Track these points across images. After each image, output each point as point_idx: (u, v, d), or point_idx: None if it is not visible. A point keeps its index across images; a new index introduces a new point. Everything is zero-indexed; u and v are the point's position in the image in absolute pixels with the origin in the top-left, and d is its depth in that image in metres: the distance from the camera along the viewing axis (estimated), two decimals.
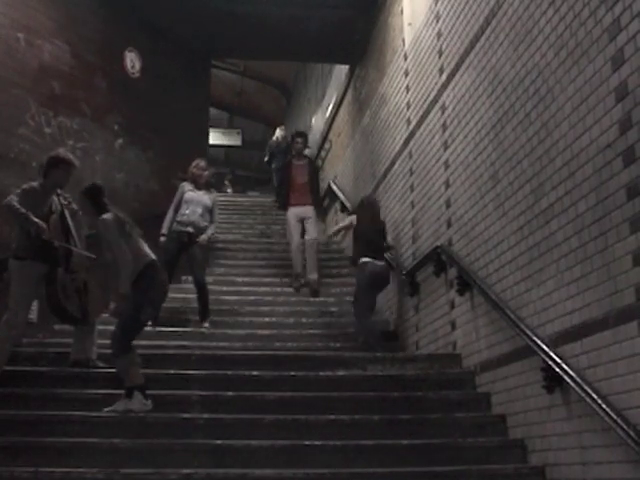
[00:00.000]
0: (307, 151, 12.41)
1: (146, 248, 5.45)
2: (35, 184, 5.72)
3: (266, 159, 14.56)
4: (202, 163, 8.24)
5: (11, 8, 7.49)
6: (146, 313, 5.39)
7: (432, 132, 6.75)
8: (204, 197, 7.94)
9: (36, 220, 5.55)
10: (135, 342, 6.57)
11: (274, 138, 14.79)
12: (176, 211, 7.87)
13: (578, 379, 3.95)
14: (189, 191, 7.95)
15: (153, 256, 5.44)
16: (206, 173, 8.14)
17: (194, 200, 7.87)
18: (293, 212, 9.18)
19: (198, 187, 8.00)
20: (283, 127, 15.48)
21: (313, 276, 8.83)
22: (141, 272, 5.26)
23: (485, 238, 5.45)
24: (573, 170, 4.19)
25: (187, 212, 7.80)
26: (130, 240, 5.33)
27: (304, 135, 10.01)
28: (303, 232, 9.17)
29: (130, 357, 5.19)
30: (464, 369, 5.80)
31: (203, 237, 7.84)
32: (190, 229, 7.75)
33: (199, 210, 7.84)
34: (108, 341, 6.19)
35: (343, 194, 10.71)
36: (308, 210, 9.17)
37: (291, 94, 18.98)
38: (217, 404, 5.28)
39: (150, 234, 8.70)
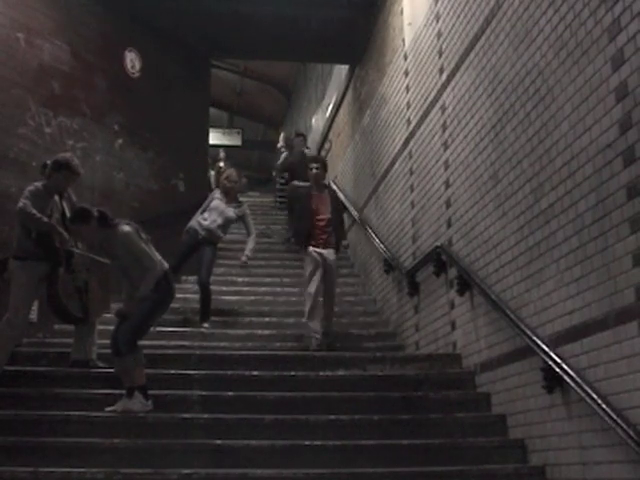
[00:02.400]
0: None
1: (159, 255, 5.47)
2: (39, 185, 5.72)
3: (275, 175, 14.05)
4: (233, 175, 8.22)
5: (11, 8, 7.49)
6: (157, 317, 5.50)
7: (432, 132, 6.75)
8: (228, 210, 7.94)
9: (61, 230, 5.65)
10: None
11: (282, 152, 14.44)
12: (202, 213, 7.95)
13: (578, 379, 3.95)
14: (217, 199, 8.00)
15: (167, 264, 5.48)
16: (237, 185, 8.08)
17: (218, 210, 7.91)
18: (315, 254, 7.18)
19: (228, 200, 8.00)
20: (282, 135, 15.41)
21: (329, 326, 7.26)
22: (160, 279, 5.30)
23: (485, 238, 5.45)
24: (573, 170, 4.19)
25: (208, 220, 7.84)
26: (148, 247, 5.36)
27: (321, 160, 7.98)
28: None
29: (137, 356, 5.20)
30: (464, 369, 5.80)
31: (243, 259, 7.97)
32: (204, 234, 7.79)
33: (219, 221, 7.87)
34: (108, 341, 6.22)
35: (343, 194, 10.70)
36: (330, 254, 7.29)
37: (291, 94, 18.99)
38: (217, 404, 5.28)
39: (150, 234, 8.78)
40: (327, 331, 7.04)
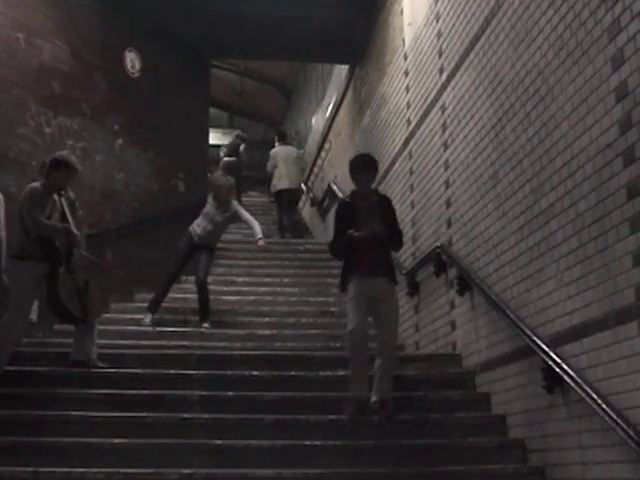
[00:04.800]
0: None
1: None
2: (38, 185, 5.73)
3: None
4: (217, 180, 8.16)
5: (11, 8, 7.48)
6: None
7: (432, 132, 6.75)
8: (218, 216, 7.90)
9: (75, 232, 5.71)
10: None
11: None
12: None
13: (578, 379, 3.95)
14: (209, 204, 8.00)
15: None
16: (223, 190, 8.03)
17: (208, 216, 7.91)
18: (358, 285, 5.20)
19: (218, 204, 7.94)
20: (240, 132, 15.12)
21: (383, 394, 5.15)
22: None
23: (485, 238, 5.45)
24: (573, 170, 4.19)
25: (200, 226, 7.86)
26: None
27: (369, 161, 5.55)
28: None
29: None
30: (464, 369, 5.80)
31: (260, 243, 7.95)
32: (197, 239, 7.83)
33: (209, 227, 7.87)
34: (108, 341, 6.22)
35: (343, 194, 10.70)
36: (382, 285, 5.25)
37: (291, 94, 18.97)
38: (217, 404, 5.28)
39: (150, 234, 8.80)
40: (381, 396, 5.10)
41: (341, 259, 5.44)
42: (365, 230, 5.19)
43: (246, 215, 8.13)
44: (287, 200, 12.10)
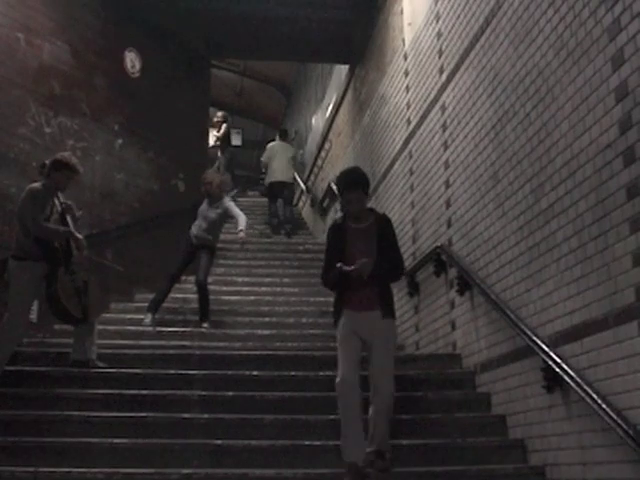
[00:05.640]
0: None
1: None
2: (38, 185, 5.73)
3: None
4: (208, 177, 8.24)
5: (11, 8, 7.48)
6: None
7: (432, 132, 6.75)
8: (210, 212, 7.95)
9: (79, 237, 5.75)
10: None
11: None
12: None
13: (578, 379, 3.95)
14: (204, 203, 8.08)
15: None
16: (215, 182, 8.06)
17: (202, 214, 7.99)
18: (349, 320, 4.64)
19: (211, 200, 8.01)
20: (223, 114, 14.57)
21: (380, 444, 4.49)
22: None
23: (485, 238, 5.45)
24: (573, 170, 4.19)
25: (196, 226, 7.94)
26: None
27: (361, 183, 4.73)
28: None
29: None
30: (464, 369, 5.80)
31: (240, 235, 7.91)
32: (195, 241, 7.88)
33: (204, 225, 7.92)
34: (108, 341, 6.22)
35: None
36: (375, 319, 4.61)
37: (291, 94, 18.98)
38: (217, 404, 5.28)
39: (150, 234, 8.80)
40: (378, 447, 4.46)
41: (333, 290, 4.88)
42: (357, 264, 4.52)
43: (236, 210, 8.15)
44: (280, 192, 12.33)
